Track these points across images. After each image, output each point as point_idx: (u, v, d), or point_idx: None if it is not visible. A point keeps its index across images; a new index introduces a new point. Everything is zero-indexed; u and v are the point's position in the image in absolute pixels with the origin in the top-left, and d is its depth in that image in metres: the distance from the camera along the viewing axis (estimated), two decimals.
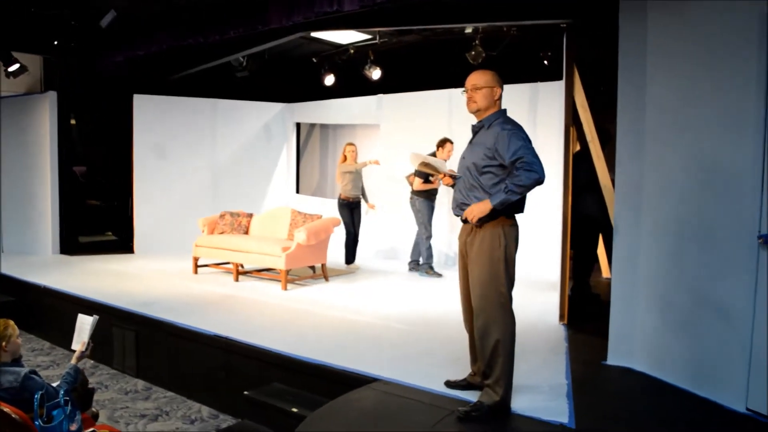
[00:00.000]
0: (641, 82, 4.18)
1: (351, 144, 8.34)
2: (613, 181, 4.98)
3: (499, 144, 3.29)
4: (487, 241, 3.38)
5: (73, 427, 2.99)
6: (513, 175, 3.24)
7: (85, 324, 3.58)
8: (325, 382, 4.21)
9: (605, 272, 7.62)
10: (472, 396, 3.60)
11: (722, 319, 3.61)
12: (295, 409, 3.97)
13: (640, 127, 4.19)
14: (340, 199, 8.24)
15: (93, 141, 10.89)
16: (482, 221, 3.37)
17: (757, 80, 3.40)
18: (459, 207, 3.52)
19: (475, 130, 3.53)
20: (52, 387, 3.09)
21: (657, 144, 4.10)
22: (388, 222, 9.35)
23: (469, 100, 3.49)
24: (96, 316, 3.58)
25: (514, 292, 3.47)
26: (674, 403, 3.70)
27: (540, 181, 3.21)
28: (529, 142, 3.30)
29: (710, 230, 3.70)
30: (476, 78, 3.47)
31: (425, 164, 3.66)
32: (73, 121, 10.29)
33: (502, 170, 3.35)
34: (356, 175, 8.21)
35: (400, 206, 9.11)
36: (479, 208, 3.33)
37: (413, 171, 7.31)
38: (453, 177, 3.62)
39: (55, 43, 8.41)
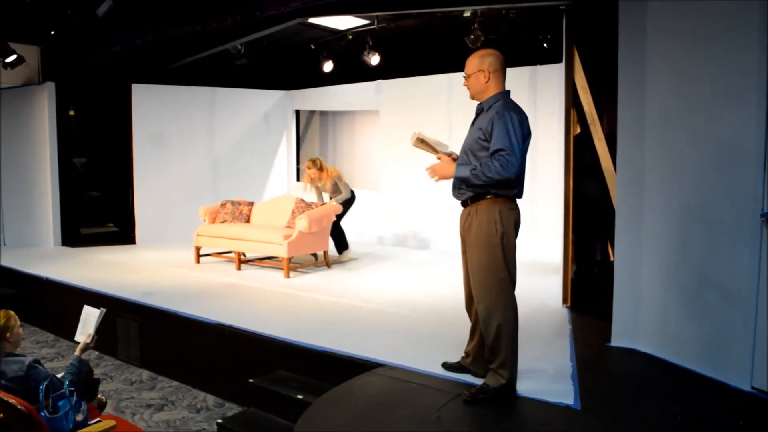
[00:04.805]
0: (641, 63, 4.14)
1: (311, 161, 7.87)
2: (614, 162, 4.96)
3: (490, 129, 3.25)
4: (483, 227, 3.35)
5: (79, 417, 2.99)
6: (487, 161, 3.21)
7: (90, 316, 3.54)
8: (330, 369, 4.21)
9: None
10: (476, 379, 3.60)
11: (726, 298, 3.61)
12: (300, 396, 3.97)
13: (640, 109, 4.16)
14: None
15: (92, 132, 10.84)
16: (473, 199, 3.39)
17: (759, 58, 3.36)
18: (458, 191, 3.48)
19: (477, 111, 3.49)
20: (57, 378, 3.09)
21: (658, 125, 4.07)
22: (392, 208, 9.35)
23: (467, 88, 3.48)
24: (103, 309, 3.53)
25: (518, 276, 3.46)
26: (679, 383, 3.70)
27: (507, 181, 3.21)
28: (520, 132, 3.21)
29: (713, 210, 3.68)
30: (466, 66, 3.45)
31: (421, 140, 3.56)
32: (72, 112, 10.26)
33: None
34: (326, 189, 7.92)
35: (405, 192, 9.12)
36: (444, 171, 3.38)
37: None
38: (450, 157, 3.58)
39: (52, 33, 8.35)
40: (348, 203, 7.87)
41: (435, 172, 3.42)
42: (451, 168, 3.36)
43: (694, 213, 3.82)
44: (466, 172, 3.28)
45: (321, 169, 7.77)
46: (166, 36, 7.59)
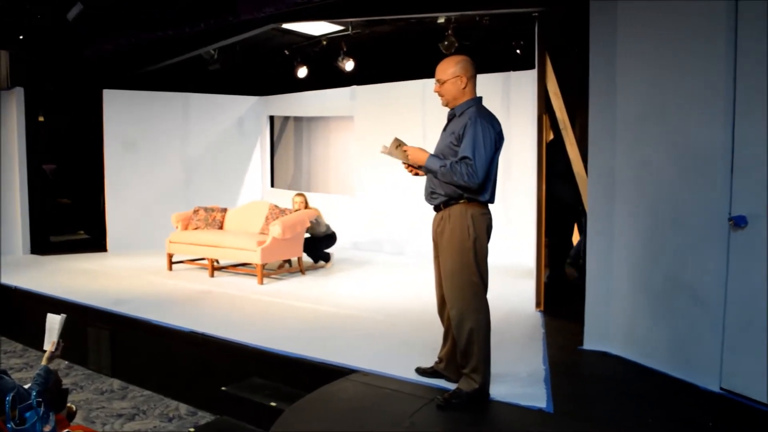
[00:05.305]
0: (612, 69, 4.20)
1: (298, 195, 8.14)
2: (586, 167, 5.01)
3: (462, 133, 3.28)
4: (456, 232, 3.37)
5: (47, 428, 2.93)
6: (456, 164, 3.24)
7: (54, 323, 3.47)
8: (304, 375, 4.19)
9: None
10: (450, 384, 3.61)
11: (695, 300, 3.66)
12: (273, 404, 3.94)
13: (611, 113, 4.22)
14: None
15: (62, 138, 10.69)
16: (445, 204, 3.41)
17: (726, 65, 3.43)
18: (431, 195, 3.51)
19: (449, 117, 3.51)
20: (24, 389, 3.02)
21: (628, 130, 4.13)
22: (367, 213, 9.34)
23: (438, 95, 3.47)
24: (64, 315, 3.46)
25: (491, 280, 3.47)
26: (650, 385, 3.74)
27: (468, 189, 3.27)
28: (490, 142, 3.25)
29: (682, 213, 3.74)
30: (439, 72, 3.43)
31: (397, 144, 3.53)
32: (41, 118, 10.09)
33: None
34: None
35: (380, 197, 9.12)
36: (415, 155, 3.40)
37: None
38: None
39: (21, 37, 8.21)
40: (330, 239, 8.06)
41: (412, 156, 3.41)
42: (423, 155, 3.38)
43: (664, 216, 3.87)
44: (435, 166, 3.33)
45: (306, 204, 8.03)
46: (138, 40, 7.52)
